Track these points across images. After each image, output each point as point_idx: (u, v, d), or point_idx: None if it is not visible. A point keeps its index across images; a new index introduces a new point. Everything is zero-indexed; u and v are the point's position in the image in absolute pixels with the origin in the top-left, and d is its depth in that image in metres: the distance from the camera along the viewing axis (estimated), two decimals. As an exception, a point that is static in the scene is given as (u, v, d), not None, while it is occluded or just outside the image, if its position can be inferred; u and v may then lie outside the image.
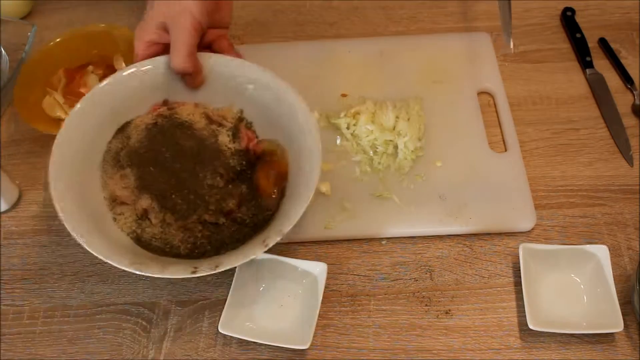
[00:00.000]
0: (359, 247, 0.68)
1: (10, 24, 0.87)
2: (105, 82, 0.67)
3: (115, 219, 0.64)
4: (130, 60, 0.79)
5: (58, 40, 0.82)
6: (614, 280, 0.62)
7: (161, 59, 0.68)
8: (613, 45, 0.83)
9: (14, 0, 0.89)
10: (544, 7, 0.88)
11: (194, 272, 0.57)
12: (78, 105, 0.65)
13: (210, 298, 0.65)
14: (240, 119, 0.70)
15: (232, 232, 0.64)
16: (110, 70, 0.80)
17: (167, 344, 0.63)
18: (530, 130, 0.76)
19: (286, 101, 0.66)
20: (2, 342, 0.64)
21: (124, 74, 0.67)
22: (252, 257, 0.58)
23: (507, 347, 0.61)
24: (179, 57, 0.64)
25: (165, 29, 0.65)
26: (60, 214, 0.59)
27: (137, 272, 0.57)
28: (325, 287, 0.62)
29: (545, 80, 0.81)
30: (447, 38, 0.84)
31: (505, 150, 0.73)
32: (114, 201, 0.65)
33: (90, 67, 0.79)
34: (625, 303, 0.62)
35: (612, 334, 0.61)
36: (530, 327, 0.59)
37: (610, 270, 0.62)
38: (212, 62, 0.68)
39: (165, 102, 0.70)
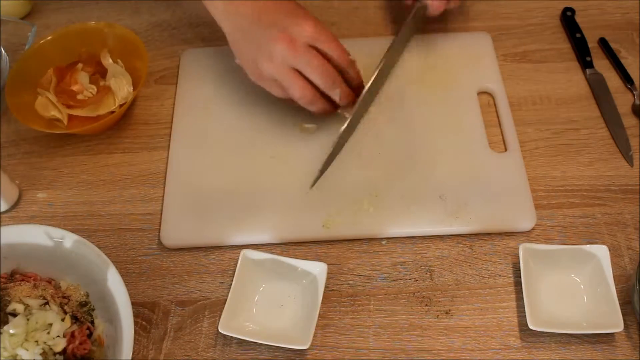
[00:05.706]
0: (359, 247, 0.68)
1: (10, 24, 0.87)
2: None
3: None
4: (118, 56, 0.79)
5: (47, 39, 0.80)
6: (614, 280, 0.62)
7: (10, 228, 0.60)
8: (613, 45, 0.83)
9: (14, 0, 0.89)
10: (544, 7, 0.88)
11: None
12: None
13: (210, 298, 0.65)
14: (84, 303, 0.62)
15: None
16: (100, 67, 0.79)
17: (167, 344, 0.63)
18: (530, 130, 0.76)
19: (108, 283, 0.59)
20: (2, 342, 0.64)
21: None
22: None
23: (507, 347, 0.61)
24: None
25: None
26: None
27: None
28: (325, 287, 0.62)
29: (545, 80, 0.81)
30: (447, 38, 0.84)
31: (505, 150, 0.73)
32: None
33: (80, 65, 0.79)
34: (625, 303, 0.62)
35: (612, 334, 0.61)
36: (530, 327, 0.59)
37: (610, 270, 0.62)
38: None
39: (13, 273, 0.62)
